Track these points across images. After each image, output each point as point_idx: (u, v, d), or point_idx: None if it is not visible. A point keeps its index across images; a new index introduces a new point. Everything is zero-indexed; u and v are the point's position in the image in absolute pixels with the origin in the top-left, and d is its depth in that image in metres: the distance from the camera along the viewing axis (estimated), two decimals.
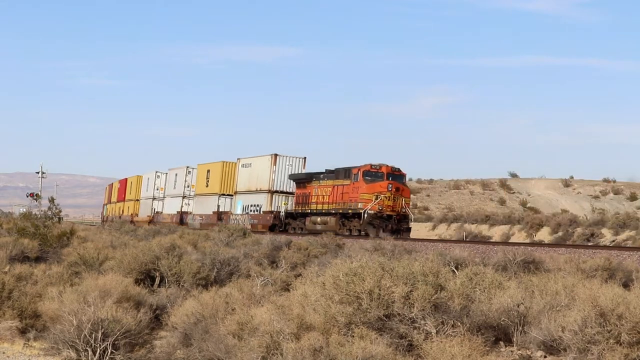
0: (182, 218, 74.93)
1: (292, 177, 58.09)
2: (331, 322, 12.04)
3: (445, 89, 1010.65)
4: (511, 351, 12.73)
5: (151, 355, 13.66)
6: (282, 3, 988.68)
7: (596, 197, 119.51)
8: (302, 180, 55.35)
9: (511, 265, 21.12)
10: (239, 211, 63.96)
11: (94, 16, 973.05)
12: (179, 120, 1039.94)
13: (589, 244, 55.85)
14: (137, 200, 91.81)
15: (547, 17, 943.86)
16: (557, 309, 12.79)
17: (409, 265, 12.81)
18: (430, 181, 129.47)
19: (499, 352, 12.61)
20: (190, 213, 74.00)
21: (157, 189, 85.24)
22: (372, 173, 47.50)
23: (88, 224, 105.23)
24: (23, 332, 15.68)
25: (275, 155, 59.95)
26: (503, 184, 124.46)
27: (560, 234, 64.10)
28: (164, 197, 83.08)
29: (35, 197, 52.78)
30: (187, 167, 77.88)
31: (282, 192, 59.34)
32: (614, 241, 58.21)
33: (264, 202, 60.03)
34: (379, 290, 12.13)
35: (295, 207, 55.75)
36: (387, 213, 46.46)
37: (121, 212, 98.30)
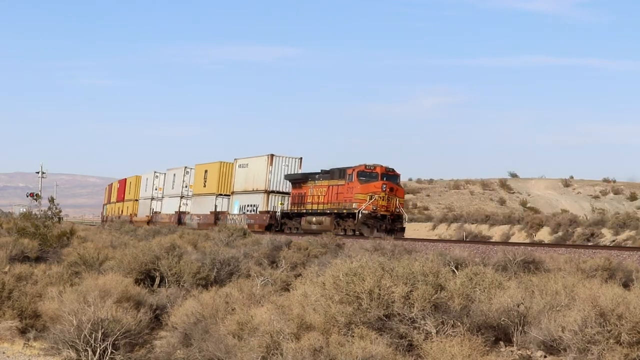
0: (180, 218, 75.05)
1: (288, 177, 58.23)
2: (331, 322, 12.04)
3: (446, 89, 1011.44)
4: (511, 351, 12.73)
5: (151, 355, 13.66)
6: (282, 3, 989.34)
7: (596, 197, 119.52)
8: (298, 180, 55.54)
9: (511, 265, 21.11)
10: (236, 211, 64.11)
11: (94, 16, 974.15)
12: (179, 120, 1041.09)
13: (589, 244, 55.84)
14: (136, 200, 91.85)
15: (547, 17, 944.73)
16: (557, 309, 12.79)
17: (409, 265, 12.81)
18: (430, 181, 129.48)
19: (499, 352, 12.61)
20: (188, 213, 74.15)
21: (156, 189, 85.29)
22: (367, 173, 47.76)
23: (88, 224, 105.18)
24: (23, 332, 15.68)
25: (272, 155, 60.10)
26: (503, 184, 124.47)
27: (560, 234, 64.08)
28: (162, 197, 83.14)
29: (35, 197, 52.71)
30: (185, 167, 77.98)
31: (278, 192, 59.48)
32: (614, 241, 58.19)
33: (260, 202, 60.17)
34: (379, 290, 12.13)
35: (291, 207, 55.93)
36: (381, 213, 46.72)
37: (120, 212, 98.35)
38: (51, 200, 32.74)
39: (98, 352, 12.81)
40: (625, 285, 15.22)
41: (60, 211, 32.42)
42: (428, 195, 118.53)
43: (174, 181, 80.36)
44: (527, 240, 62.97)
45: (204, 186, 70.95)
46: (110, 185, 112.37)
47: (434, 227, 79.14)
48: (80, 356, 12.86)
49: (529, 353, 12.55)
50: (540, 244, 49.47)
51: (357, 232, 46.36)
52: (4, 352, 14.60)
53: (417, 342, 11.68)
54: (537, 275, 15.91)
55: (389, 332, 11.96)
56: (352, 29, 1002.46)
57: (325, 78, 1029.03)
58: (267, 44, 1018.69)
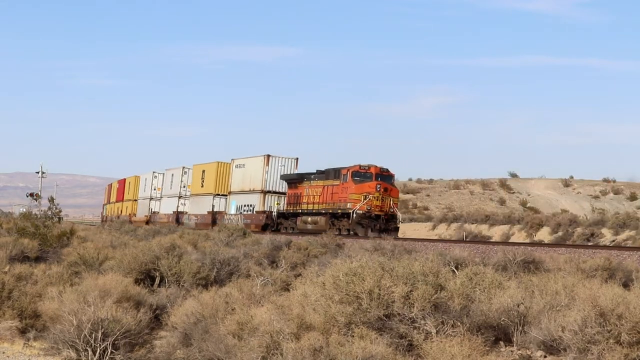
0: (178, 218, 75.22)
1: (284, 177, 58.40)
2: (331, 322, 12.03)
3: (446, 89, 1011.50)
4: (511, 351, 12.73)
5: (151, 355, 13.65)
6: (282, 3, 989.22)
7: (596, 197, 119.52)
8: (294, 180, 55.72)
9: (511, 265, 21.11)
10: (233, 211, 64.28)
11: (94, 16, 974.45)
12: (179, 120, 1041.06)
13: (589, 243, 55.83)
14: (135, 200, 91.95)
15: (547, 17, 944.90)
16: (557, 308, 12.79)
17: (409, 265, 12.81)
18: (430, 181, 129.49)
19: (499, 352, 12.61)
20: (186, 213, 74.33)
21: (155, 189, 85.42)
22: (361, 174, 47.97)
23: (88, 224, 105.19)
24: (23, 332, 15.68)
25: (268, 156, 60.25)
26: (503, 184, 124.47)
27: (560, 234, 64.06)
28: (161, 197, 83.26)
29: (35, 197, 52.71)
30: (183, 167, 78.13)
31: (274, 192, 59.67)
32: (614, 241, 58.18)
33: (257, 202, 60.32)
34: (379, 290, 12.13)
35: (287, 207, 56.11)
36: (376, 213, 46.90)
37: (120, 212, 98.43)
38: (51, 200, 32.75)
39: (98, 352, 12.81)
40: (625, 285, 15.22)
41: (60, 211, 32.43)
42: (428, 195, 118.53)
43: (172, 181, 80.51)
44: (527, 240, 62.95)
45: (202, 186, 71.12)
46: (110, 186, 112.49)
47: (433, 227, 79.13)
48: (80, 356, 12.86)
49: (529, 353, 12.54)
50: (540, 244, 49.45)
51: (351, 232, 46.54)
52: (4, 352, 14.60)
53: (417, 342, 11.68)
54: (537, 275, 15.90)
55: (389, 332, 11.96)
56: (352, 29, 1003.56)
57: (325, 78, 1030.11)
58: (267, 44, 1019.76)
